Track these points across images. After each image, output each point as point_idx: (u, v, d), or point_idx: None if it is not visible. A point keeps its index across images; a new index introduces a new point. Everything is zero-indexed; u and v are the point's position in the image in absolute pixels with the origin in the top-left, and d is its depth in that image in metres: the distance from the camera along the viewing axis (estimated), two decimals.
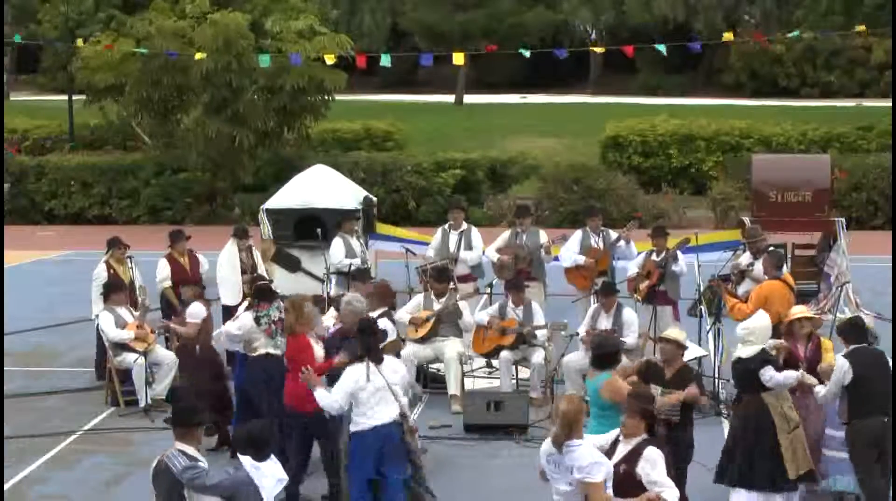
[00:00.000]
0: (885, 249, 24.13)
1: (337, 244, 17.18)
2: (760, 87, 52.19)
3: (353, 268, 16.23)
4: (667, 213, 31.37)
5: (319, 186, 20.53)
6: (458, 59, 28.27)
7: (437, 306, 15.05)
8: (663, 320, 15.52)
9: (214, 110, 30.86)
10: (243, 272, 16.39)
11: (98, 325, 15.24)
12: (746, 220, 19.78)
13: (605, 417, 9.92)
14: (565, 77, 56.07)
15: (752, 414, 10.62)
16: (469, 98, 50.37)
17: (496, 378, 15.28)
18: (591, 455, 8.37)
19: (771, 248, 15.51)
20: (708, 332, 15.13)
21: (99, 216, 33.40)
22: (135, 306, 15.38)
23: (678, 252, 15.96)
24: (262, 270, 16.82)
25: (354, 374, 10.34)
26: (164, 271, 16.34)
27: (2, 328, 17.04)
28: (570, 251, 16.89)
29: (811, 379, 11.18)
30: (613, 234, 16.99)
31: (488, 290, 16.99)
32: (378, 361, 10.40)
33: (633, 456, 8.65)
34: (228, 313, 14.97)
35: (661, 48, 24.30)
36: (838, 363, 10.74)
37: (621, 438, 8.82)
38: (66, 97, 38.81)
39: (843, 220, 20.56)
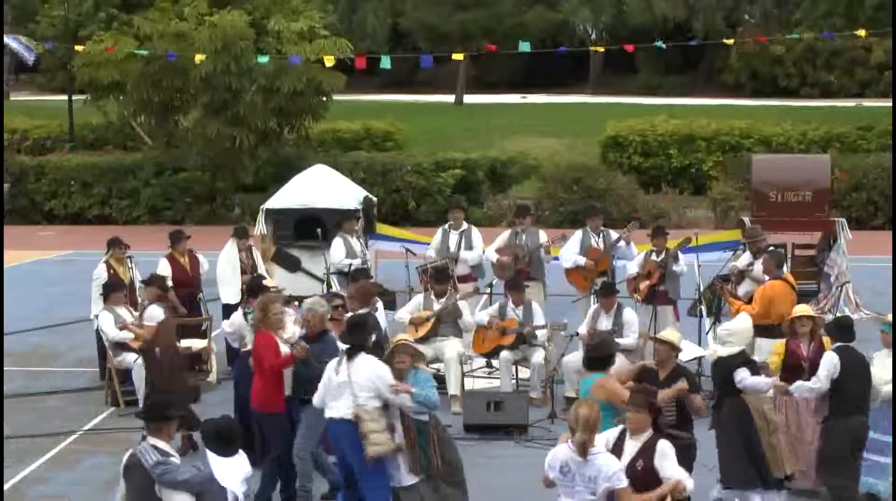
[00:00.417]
0: (885, 249, 24.13)
1: (337, 244, 17.19)
2: (760, 87, 52.19)
3: (352, 268, 16.23)
4: (667, 213, 31.37)
5: (319, 186, 20.52)
6: (458, 58, 28.30)
7: (437, 306, 15.05)
8: (663, 320, 15.53)
9: (214, 112, 30.87)
10: (243, 272, 16.41)
11: (98, 325, 15.24)
12: (746, 220, 19.77)
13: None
14: (565, 77, 56.09)
15: (734, 414, 10.65)
16: (469, 98, 50.36)
17: (496, 378, 15.28)
18: (614, 461, 8.38)
19: (771, 248, 15.51)
20: (708, 332, 15.14)
21: (99, 216, 33.40)
22: (135, 307, 15.38)
23: (679, 252, 15.97)
24: (262, 270, 16.83)
25: (331, 365, 10.57)
26: (164, 271, 16.35)
27: (2, 328, 17.04)
28: (571, 252, 16.89)
29: (783, 385, 11.22)
30: (614, 234, 16.99)
31: (488, 290, 16.99)
32: (351, 357, 10.46)
33: (648, 451, 8.67)
34: (229, 312, 15.00)
35: (660, 44, 24.32)
36: (829, 358, 10.78)
37: (628, 435, 8.82)
38: (66, 97, 38.80)
39: (844, 220, 20.57)
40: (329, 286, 16.52)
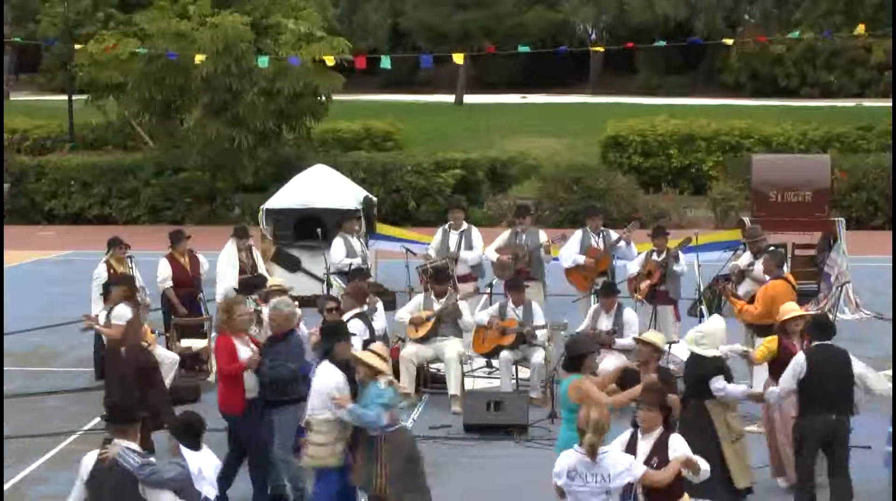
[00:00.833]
0: (885, 249, 24.13)
1: (337, 244, 17.21)
2: (760, 87, 52.20)
3: (352, 267, 16.25)
4: (667, 213, 31.37)
5: (319, 186, 20.56)
6: (459, 59, 28.30)
7: (437, 306, 15.05)
8: (664, 320, 15.54)
9: (214, 113, 30.88)
10: (242, 272, 16.40)
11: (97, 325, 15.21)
12: (746, 220, 19.79)
13: (572, 420, 9.92)
14: (565, 77, 56.09)
15: (695, 420, 10.64)
16: (469, 98, 50.37)
17: (496, 378, 15.27)
18: (622, 455, 8.39)
19: (771, 248, 15.52)
20: None
21: (99, 216, 33.41)
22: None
23: (679, 252, 15.98)
24: (262, 270, 16.83)
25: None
26: (164, 271, 16.36)
27: (2, 328, 17.03)
28: (571, 251, 16.89)
29: (757, 393, 11.24)
30: (614, 234, 17.00)
31: (488, 290, 16.99)
32: (318, 364, 10.57)
33: (661, 448, 8.70)
34: None
35: (660, 43, 24.36)
36: (796, 358, 10.78)
37: (640, 434, 8.82)
38: (66, 97, 38.81)
39: (843, 220, 20.58)
40: (329, 286, 16.53)
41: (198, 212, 32.99)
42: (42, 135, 39.07)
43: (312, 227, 18.85)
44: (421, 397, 15.12)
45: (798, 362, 10.70)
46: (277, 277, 17.62)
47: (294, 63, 28.88)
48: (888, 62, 45.83)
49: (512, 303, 14.99)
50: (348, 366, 10.40)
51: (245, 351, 11.28)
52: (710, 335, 10.95)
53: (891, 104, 35.20)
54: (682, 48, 40.84)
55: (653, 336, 11.07)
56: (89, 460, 8.30)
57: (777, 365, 11.47)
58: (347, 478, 10.34)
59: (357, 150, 36.05)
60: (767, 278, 14.50)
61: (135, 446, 8.30)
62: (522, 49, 29.43)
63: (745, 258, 16.05)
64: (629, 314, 14.61)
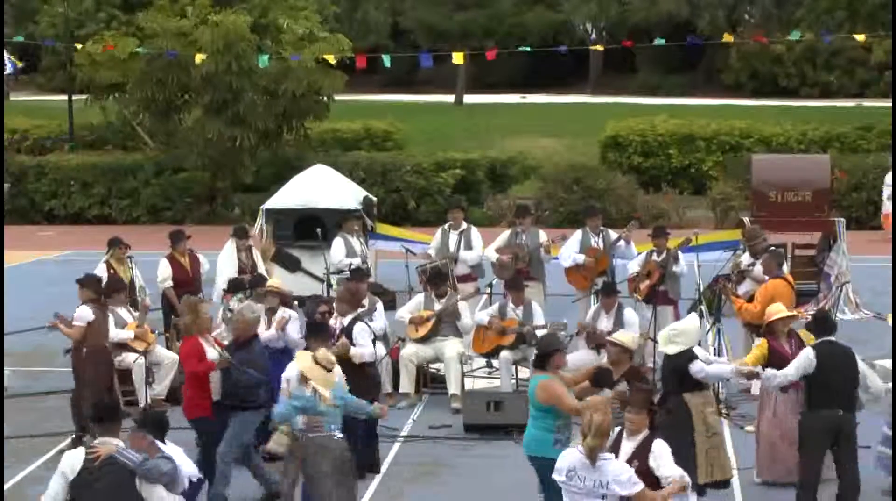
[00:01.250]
0: (885, 249, 24.13)
1: (338, 244, 17.23)
2: (760, 87, 52.18)
3: (352, 267, 16.24)
4: (667, 213, 31.36)
5: (319, 186, 20.56)
6: (458, 58, 28.30)
7: (437, 306, 15.05)
8: (663, 320, 15.53)
9: (215, 112, 30.87)
10: (242, 272, 16.39)
11: None
12: (746, 220, 19.79)
13: (539, 418, 9.93)
14: (565, 77, 56.08)
15: (675, 413, 10.67)
16: (469, 98, 50.36)
17: (496, 378, 15.27)
18: (625, 467, 8.39)
19: (771, 248, 15.53)
20: (707, 332, 15.14)
21: (99, 216, 33.39)
22: (135, 307, 15.38)
23: (679, 252, 15.98)
24: (262, 270, 16.83)
25: None
26: (164, 271, 16.36)
27: (2, 328, 17.03)
28: (570, 251, 16.89)
29: (748, 369, 11.25)
30: (613, 234, 17.00)
31: (488, 290, 16.99)
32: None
33: (643, 451, 8.71)
34: None
35: (661, 42, 24.37)
36: (805, 352, 10.82)
37: (625, 434, 8.82)
38: (65, 97, 38.80)
39: (843, 220, 20.58)
40: (329, 286, 16.53)
41: (198, 212, 32.98)
42: (42, 135, 39.05)
43: (312, 227, 18.84)
44: (421, 397, 15.13)
45: (807, 356, 10.73)
46: (277, 277, 17.62)
47: (295, 60, 28.85)
48: (888, 62, 45.77)
49: (512, 303, 15.00)
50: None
51: (212, 352, 11.29)
52: (686, 332, 10.99)
53: (891, 104, 35.18)
54: (681, 48, 40.78)
55: (621, 336, 11.10)
56: (75, 458, 8.30)
57: (769, 367, 11.51)
58: None
59: (357, 150, 36.03)
60: (767, 278, 14.52)
61: (121, 443, 8.34)
62: (523, 49, 29.46)
63: (745, 259, 16.06)
64: (629, 315, 14.61)
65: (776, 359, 11.44)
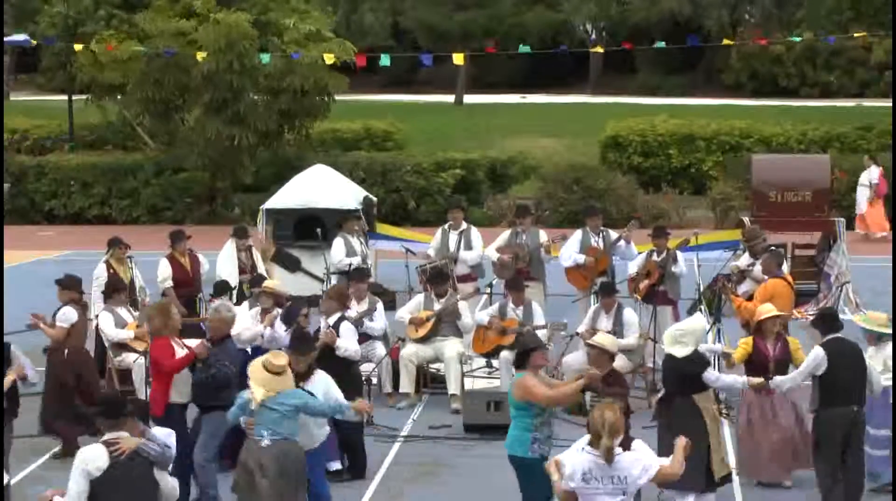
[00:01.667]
0: (885, 249, 24.13)
1: (338, 244, 17.24)
2: (760, 87, 52.14)
3: (352, 267, 16.25)
4: (667, 213, 31.35)
5: (319, 186, 20.57)
6: (459, 59, 28.30)
7: (437, 306, 15.05)
8: (663, 320, 15.54)
9: (215, 111, 30.86)
10: (242, 272, 16.40)
11: (97, 325, 15.23)
12: (746, 220, 19.80)
13: (517, 417, 9.93)
14: (565, 77, 56.06)
15: (684, 416, 10.67)
16: (469, 98, 50.34)
17: (496, 378, 15.27)
18: (634, 456, 8.30)
19: (772, 248, 15.54)
20: (708, 332, 15.14)
21: (99, 216, 33.39)
22: (135, 307, 15.38)
23: (678, 253, 15.98)
24: (262, 270, 16.83)
25: None
26: (165, 271, 16.36)
27: (2, 328, 17.00)
28: (570, 251, 16.89)
29: (755, 380, 11.29)
30: (613, 234, 17.00)
31: (488, 290, 16.99)
32: None
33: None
34: None
35: (661, 45, 24.38)
36: (815, 352, 10.82)
37: None
38: (65, 97, 38.80)
39: (843, 220, 20.59)
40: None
41: (198, 212, 32.98)
42: (42, 135, 39.05)
43: (312, 227, 18.86)
44: (421, 397, 15.13)
45: (818, 356, 10.74)
46: (277, 277, 17.63)
47: (296, 58, 28.85)
48: (888, 62, 45.78)
49: (512, 303, 15.01)
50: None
51: (182, 352, 11.29)
52: (691, 332, 10.97)
53: (891, 104, 35.18)
54: (682, 48, 40.80)
55: (600, 339, 11.09)
56: (96, 455, 8.31)
57: (750, 365, 11.56)
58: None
59: (357, 150, 36.03)
60: (767, 278, 14.52)
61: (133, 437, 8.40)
62: (523, 49, 29.44)
63: (745, 259, 16.07)
64: (629, 314, 14.62)
65: (760, 358, 11.48)
